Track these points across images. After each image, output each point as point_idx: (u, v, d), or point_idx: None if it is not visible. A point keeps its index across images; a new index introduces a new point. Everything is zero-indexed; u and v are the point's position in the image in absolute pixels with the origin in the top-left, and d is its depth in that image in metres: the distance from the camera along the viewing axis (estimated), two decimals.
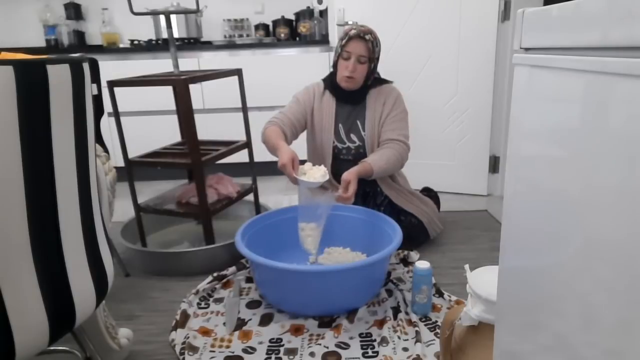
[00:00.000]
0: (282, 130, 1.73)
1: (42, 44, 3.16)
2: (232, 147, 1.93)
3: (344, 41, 1.73)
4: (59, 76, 0.70)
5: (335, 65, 1.81)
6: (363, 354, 1.25)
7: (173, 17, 2.70)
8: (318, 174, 1.52)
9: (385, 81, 1.88)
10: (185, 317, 1.43)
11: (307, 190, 1.58)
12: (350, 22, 2.43)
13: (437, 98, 2.46)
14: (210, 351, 1.28)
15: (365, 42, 1.70)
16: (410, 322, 1.35)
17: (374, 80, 1.83)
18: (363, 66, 1.74)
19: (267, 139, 1.70)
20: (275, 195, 2.62)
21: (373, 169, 1.66)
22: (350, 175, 1.58)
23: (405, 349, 1.25)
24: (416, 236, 1.84)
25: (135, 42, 3.03)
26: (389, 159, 1.72)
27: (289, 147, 1.59)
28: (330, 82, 1.84)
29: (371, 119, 1.82)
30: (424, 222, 1.85)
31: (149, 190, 2.49)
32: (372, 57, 1.74)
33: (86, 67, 0.78)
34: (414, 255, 1.77)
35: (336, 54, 1.78)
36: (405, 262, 1.74)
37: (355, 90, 1.80)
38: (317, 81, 1.91)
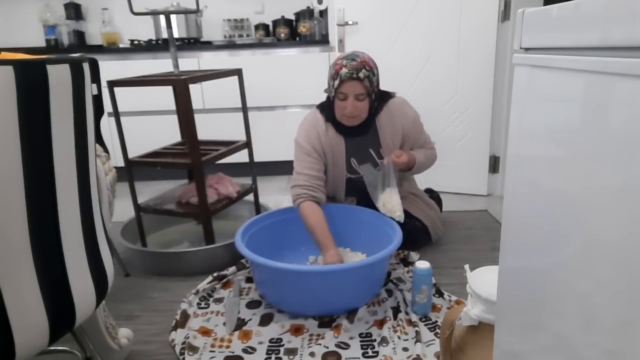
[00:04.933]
0: (319, 200, 1.62)
1: (42, 44, 3.16)
2: (232, 147, 1.93)
3: (336, 82, 1.55)
4: (59, 76, 0.70)
5: (330, 101, 1.65)
6: (363, 354, 1.25)
7: (173, 17, 2.70)
8: None
9: (388, 95, 1.73)
10: (185, 317, 1.43)
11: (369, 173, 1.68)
12: (350, 22, 2.43)
13: (437, 98, 2.46)
14: (210, 351, 1.28)
15: (360, 81, 1.53)
16: (410, 322, 1.35)
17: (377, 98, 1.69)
18: (363, 102, 1.58)
19: (307, 220, 1.59)
20: (275, 195, 2.62)
21: (416, 159, 1.72)
22: (399, 150, 1.68)
23: (405, 349, 1.25)
24: (418, 239, 1.83)
25: (135, 42, 3.03)
26: (427, 155, 1.80)
27: (337, 250, 1.53)
28: (333, 119, 1.67)
29: (388, 145, 1.72)
30: (427, 226, 1.85)
31: (149, 190, 2.48)
32: (371, 91, 1.58)
33: (86, 67, 0.78)
34: (414, 255, 1.77)
35: (330, 91, 1.62)
36: (405, 262, 1.74)
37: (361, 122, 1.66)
38: (313, 114, 1.72)
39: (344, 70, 1.53)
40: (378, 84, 1.64)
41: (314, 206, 1.60)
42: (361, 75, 1.53)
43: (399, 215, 1.59)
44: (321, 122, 1.69)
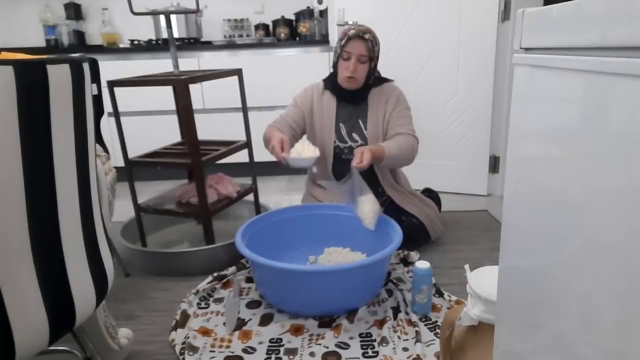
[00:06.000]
0: (280, 131, 1.76)
1: (42, 44, 3.16)
2: (232, 147, 1.93)
3: (343, 41, 1.74)
4: (59, 76, 0.70)
5: (335, 66, 1.82)
6: (363, 354, 1.25)
7: (173, 17, 2.70)
8: (309, 150, 1.60)
9: (386, 80, 1.89)
10: (185, 317, 1.43)
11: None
12: (350, 22, 2.43)
13: (437, 98, 2.46)
14: (210, 351, 1.28)
15: (365, 41, 1.72)
16: (410, 322, 1.35)
17: (375, 79, 1.84)
18: (364, 65, 1.75)
19: (265, 139, 1.75)
20: (275, 195, 2.62)
21: (385, 152, 1.66)
22: (363, 148, 1.62)
23: (405, 349, 1.25)
24: (417, 237, 1.84)
25: (135, 42, 3.03)
26: (401, 146, 1.72)
27: (281, 133, 1.65)
28: (332, 83, 1.85)
29: (374, 118, 1.83)
30: (425, 223, 1.85)
31: (149, 190, 2.49)
32: (372, 56, 1.76)
33: (86, 67, 0.78)
34: (414, 255, 1.77)
35: (336, 55, 1.79)
36: (405, 262, 1.74)
37: (357, 89, 1.81)
38: (317, 82, 1.92)
39: (352, 31, 1.73)
40: (378, 55, 1.79)
41: (276, 129, 1.76)
42: (367, 36, 1.72)
43: (367, 223, 1.61)
44: (320, 87, 1.90)
